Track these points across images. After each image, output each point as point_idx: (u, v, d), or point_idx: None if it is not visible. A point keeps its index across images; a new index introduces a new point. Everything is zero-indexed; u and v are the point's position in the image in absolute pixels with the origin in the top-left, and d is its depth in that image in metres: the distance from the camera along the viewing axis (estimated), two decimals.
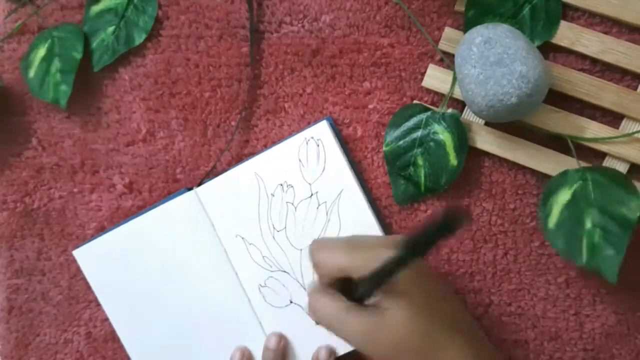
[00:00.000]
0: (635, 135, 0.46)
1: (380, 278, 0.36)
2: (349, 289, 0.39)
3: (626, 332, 0.48)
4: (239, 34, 0.52)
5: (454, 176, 0.48)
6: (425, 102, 0.50)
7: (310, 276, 0.49)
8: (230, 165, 0.52)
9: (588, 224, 0.43)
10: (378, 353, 0.37)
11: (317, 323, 0.39)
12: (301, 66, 0.51)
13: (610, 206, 0.43)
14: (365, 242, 0.40)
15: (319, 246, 0.41)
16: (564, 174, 0.45)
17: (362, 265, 0.37)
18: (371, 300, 0.37)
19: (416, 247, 0.33)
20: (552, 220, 0.44)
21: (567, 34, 0.46)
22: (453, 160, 0.47)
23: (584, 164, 0.46)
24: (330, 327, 0.38)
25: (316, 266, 0.41)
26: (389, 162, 0.49)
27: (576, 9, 0.47)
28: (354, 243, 0.40)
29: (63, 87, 0.51)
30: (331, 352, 0.49)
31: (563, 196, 0.44)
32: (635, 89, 0.46)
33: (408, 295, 0.37)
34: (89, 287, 0.53)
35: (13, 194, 0.54)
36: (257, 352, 0.50)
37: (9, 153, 0.54)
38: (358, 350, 0.38)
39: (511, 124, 0.47)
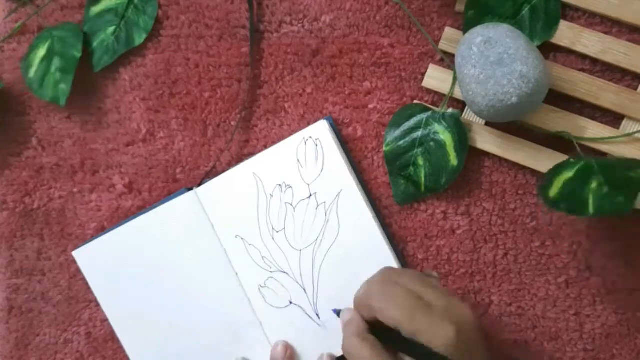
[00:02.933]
0: (636, 135, 0.46)
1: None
2: (381, 329, 0.40)
3: (626, 332, 0.48)
4: (239, 34, 0.52)
5: (454, 176, 0.48)
6: (426, 102, 0.50)
7: (309, 277, 0.49)
8: (230, 165, 0.52)
9: (593, 184, 0.41)
10: None
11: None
12: (301, 66, 0.51)
13: (616, 173, 0.41)
14: (436, 308, 0.38)
15: (379, 290, 0.40)
16: (566, 161, 0.44)
17: (420, 333, 0.37)
18: None
19: None
20: (554, 191, 0.42)
21: (567, 34, 0.46)
22: (453, 160, 0.47)
23: None
24: None
25: (363, 307, 0.41)
26: (389, 162, 0.49)
27: (576, 9, 0.47)
28: (416, 303, 0.38)
29: (62, 86, 0.51)
30: (333, 359, 0.49)
31: (566, 174, 0.43)
32: (636, 89, 0.46)
33: None
34: (89, 287, 0.53)
35: (13, 194, 0.54)
36: (257, 354, 0.50)
37: (9, 153, 0.55)
38: None
39: (511, 124, 0.47)
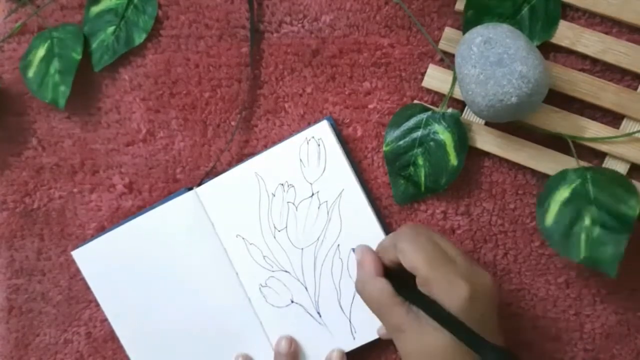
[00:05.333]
0: (636, 135, 0.46)
1: (437, 319, 0.37)
2: (398, 276, 0.41)
3: (626, 332, 0.48)
4: (239, 34, 0.52)
5: (454, 176, 0.48)
6: (426, 102, 0.50)
7: (311, 276, 0.49)
8: (230, 165, 0.52)
9: (587, 221, 0.43)
10: (403, 352, 0.39)
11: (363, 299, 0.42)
12: (301, 66, 0.51)
13: (610, 204, 0.43)
14: (457, 266, 0.39)
15: (408, 234, 0.41)
16: (563, 173, 0.45)
17: (435, 282, 0.38)
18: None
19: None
20: (550, 218, 0.44)
21: (567, 34, 0.46)
22: (453, 160, 0.47)
23: (583, 164, 0.46)
24: (374, 312, 0.41)
25: (388, 249, 0.42)
26: (389, 162, 0.49)
27: (576, 9, 0.47)
28: (440, 254, 0.39)
29: (62, 88, 0.51)
30: (342, 355, 0.49)
31: (562, 194, 0.44)
32: (636, 89, 0.46)
33: None
34: (89, 287, 0.53)
35: (13, 194, 0.54)
36: (258, 354, 0.50)
37: (9, 153, 0.54)
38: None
39: (511, 124, 0.47)
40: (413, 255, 0.39)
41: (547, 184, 0.45)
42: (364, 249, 0.44)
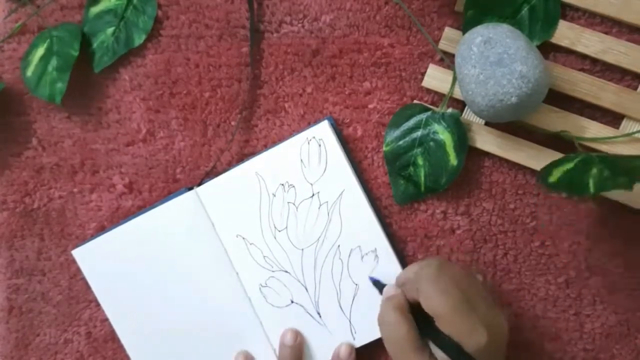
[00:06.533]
0: (635, 135, 0.46)
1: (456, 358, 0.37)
2: (418, 312, 0.40)
3: (626, 332, 0.48)
4: (239, 34, 0.52)
5: (454, 176, 0.48)
6: (425, 102, 0.50)
7: (311, 276, 0.49)
8: (230, 165, 0.52)
9: (594, 171, 0.41)
10: None
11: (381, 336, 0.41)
12: (301, 66, 0.51)
13: (617, 162, 0.41)
14: (478, 311, 0.39)
15: (431, 275, 0.40)
16: (565, 156, 0.44)
17: (455, 329, 0.38)
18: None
19: None
20: (554, 177, 0.42)
21: (567, 34, 0.46)
22: (453, 160, 0.47)
23: None
24: (392, 351, 0.40)
25: (409, 287, 0.42)
26: (389, 162, 0.49)
27: (576, 8, 0.47)
28: (463, 302, 0.38)
29: (59, 85, 0.51)
30: (351, 349, 0.49)
31: (566, 165, 0.43)
32: (636, 89, 0.46)
33: None
34: (89, 287, 0.53)
35: (13, 194, 0.54)
36: (258, 354, 0.50)
37: (9, 153, 0.54)
38: None
39: (511, 124, 0.47)
40: (435, 302, 0.39)
41: (547, 164, 0.44)
42: (392, 286, 0.44)
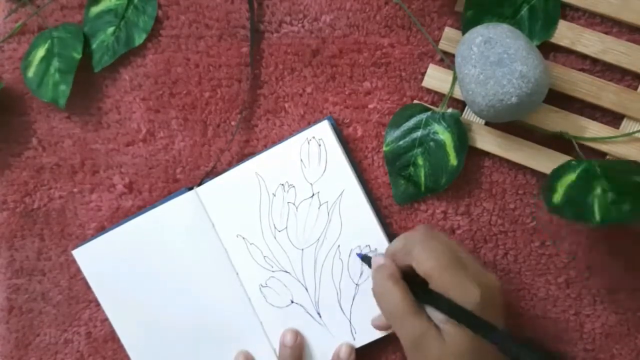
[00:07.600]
0: (635, 135, 0.46)
1: (454, 316, 0.38)
2: (411, 279, 0.41)
3: (626, 332, 0.48)
4: (239, 34, 0.52)
5: (454, 176, 0.48)
6: (426, 102, 0.50)
7: (311, 276, 0.49)
8: (230, 165, 0.52)
9: (597, 190, 0.41)
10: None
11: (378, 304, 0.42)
12: (301, 66, 0.51)
13: (619, 177, 0.41)
14: (468, 270, 0.39)
15: (420, 239, 0.41)
16: (567, 162, 0.44)
17: (448, 288, 0.38)
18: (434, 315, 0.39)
19: (505, 347, 0.36)
20: (557, 196, 0.42)
21: (567, 34, 0.46)
22: (453, 160, 0.47)
23: None
24: (390, 319, 0.41)
25: (400, 253, 0.42)
26: (389, 162, 0.49)
27: (576, 8, 0.47)
28: (453, 260, 0.39)
29: (62, 87, 0.51)
30: (351, 349, 0.49)
31: (568, 177, 0.43)
32: (636, 89, 0.46)
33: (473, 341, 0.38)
34: (89, 287, 0.53)
35: (13, 194, 0.54)
36: (258, 354, 0.50)
37: (9, 153, 0.54)
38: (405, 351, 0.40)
39: (511, 124, 0.47)
40: (427, 263, 0.39)
41: (551, 172, 0.44)
42: (379, 256, 0.44)
